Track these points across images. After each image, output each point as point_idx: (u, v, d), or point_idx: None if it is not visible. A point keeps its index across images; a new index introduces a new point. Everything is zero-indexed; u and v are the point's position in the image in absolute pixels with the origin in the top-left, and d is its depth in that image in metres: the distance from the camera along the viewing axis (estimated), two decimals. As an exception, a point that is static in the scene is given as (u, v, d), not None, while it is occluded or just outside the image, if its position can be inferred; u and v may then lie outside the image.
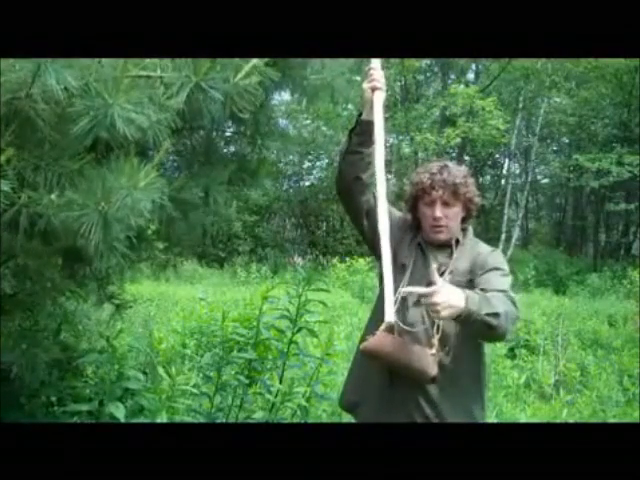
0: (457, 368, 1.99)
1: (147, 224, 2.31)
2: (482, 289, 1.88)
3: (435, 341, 1.95)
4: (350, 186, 2.12)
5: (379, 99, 2.04)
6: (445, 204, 2.05)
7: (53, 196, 1.66)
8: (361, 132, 2.07)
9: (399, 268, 2.06)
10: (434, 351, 1.94)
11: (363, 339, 2.05)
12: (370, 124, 2.04)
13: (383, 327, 1.94)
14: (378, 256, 2.19)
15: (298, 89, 2.44)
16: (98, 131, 1.57)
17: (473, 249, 2.10)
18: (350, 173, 2.10)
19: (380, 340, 1.96)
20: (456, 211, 2.07)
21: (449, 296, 1.73)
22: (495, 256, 2.08)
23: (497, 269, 2.01)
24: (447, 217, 2.05)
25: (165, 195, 1.78)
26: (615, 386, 5.24)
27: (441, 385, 1.97)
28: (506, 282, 1.98)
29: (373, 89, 2.03)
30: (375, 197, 2.12)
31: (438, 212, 2.04)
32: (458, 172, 2.09)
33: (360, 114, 2.09)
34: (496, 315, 1.77)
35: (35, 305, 2.58)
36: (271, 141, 2.65)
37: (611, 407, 4.74)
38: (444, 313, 1.72)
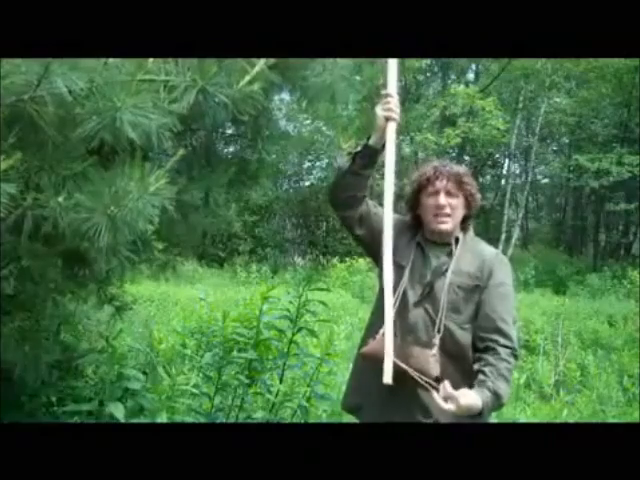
0: (460, 368, 1.99)
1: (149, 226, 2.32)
2: (486, 313, 1.98)
3: (436, 341, 1.95)
4: (345, 202, 2.13)
5: (392, 129, 2.01)
6: (448, 194, 2.05)
7: (60, 199, 1.66)
8: (366, 156, 2.07)
9: (396, 269, 2.05)
10: (434, 352, 1.94)
11: (365, 342, 2.05)
12: (377, 151, 2.05)
13: (382, 332, 1.95)
14: (375, 259, 2.19)
15: (298, 91, 2.44)
16: (103, 134, 1.58)
17: (475, 249, 2.10)
18: (347, 191, 2.12)
19: (380, 344, 1.96)
20: (458, 203, 2.07)
21: (469, 407, 1.81)
22: (502, 266, 2.08)
23: (503, 284, 2.04)
24: (451, 207, 2.05)
25: (173, 199, 1.79)
26: (615, 386, 5.25)
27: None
28: (511, 301, 2.04)
29: (387, 119, 2.01)
30: (367, 203, 2.14)
31: (442, 200, 2.04)
32: (460, 167, 2.14)
33: (369, 137, 2.08)
34: (501, 405, 1.93)
35: (36, 306, 2.57)
36: (272, 143, 2.64)
37: (611, 407, 4.74)
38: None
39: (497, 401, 1.87)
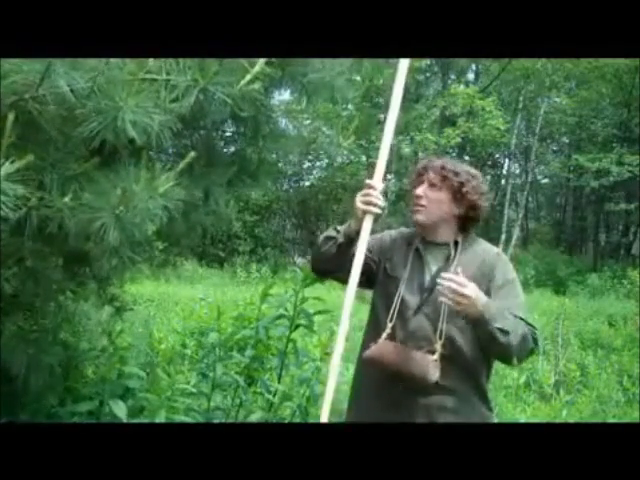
0: (461, 374, 1.99)
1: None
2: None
3: (438, 346, 1.93)
4: (330, 271, 2.13)
5: (369, 222, 1.92)
6: (431, 185, 2.01)
7: (67, 199, 1.66)
8: (344, 244, 2.01)
9: (392, 280, 2.06)
10: (436, 357, 1.93)
11: (363, 348, 2.06)
12: (355, 239, 1.96)
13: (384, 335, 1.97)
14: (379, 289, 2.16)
15: (298, 87, 2.43)
16: (105, 134, 1.58)
17: (475, 251, 2.06)
18: (330, 265, 2.09)
19: (381, 348, 1.97)
20: (441, 197, 2.00)
21: (477, 293, 1.82)
22: (502, 265, 2.05)
23: (506, 284, 2.01)
24: (427, 197, 2.00)
25: (181, 201, 1.80)
26: (615, 386, 5.25)
27: (445, 390, 1.96)
28: (515, 297, 2.00)
29: (365, 212, 1.91)
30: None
31: (419, 190, 2.01)
32: (459, 166, 2.07)
33: (349, 224, 2.01)
34: (505, 333, 1.85)
35: (37, 306, 2.57)
36: (271, 142, 2.64)
37: (611, 407, 4.74)
38: (461, 304, 1.81)
39: (501, 319, 1.84)
